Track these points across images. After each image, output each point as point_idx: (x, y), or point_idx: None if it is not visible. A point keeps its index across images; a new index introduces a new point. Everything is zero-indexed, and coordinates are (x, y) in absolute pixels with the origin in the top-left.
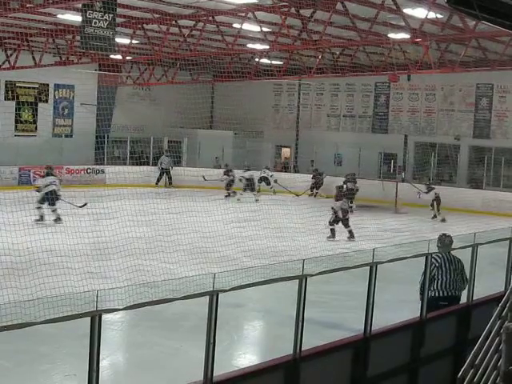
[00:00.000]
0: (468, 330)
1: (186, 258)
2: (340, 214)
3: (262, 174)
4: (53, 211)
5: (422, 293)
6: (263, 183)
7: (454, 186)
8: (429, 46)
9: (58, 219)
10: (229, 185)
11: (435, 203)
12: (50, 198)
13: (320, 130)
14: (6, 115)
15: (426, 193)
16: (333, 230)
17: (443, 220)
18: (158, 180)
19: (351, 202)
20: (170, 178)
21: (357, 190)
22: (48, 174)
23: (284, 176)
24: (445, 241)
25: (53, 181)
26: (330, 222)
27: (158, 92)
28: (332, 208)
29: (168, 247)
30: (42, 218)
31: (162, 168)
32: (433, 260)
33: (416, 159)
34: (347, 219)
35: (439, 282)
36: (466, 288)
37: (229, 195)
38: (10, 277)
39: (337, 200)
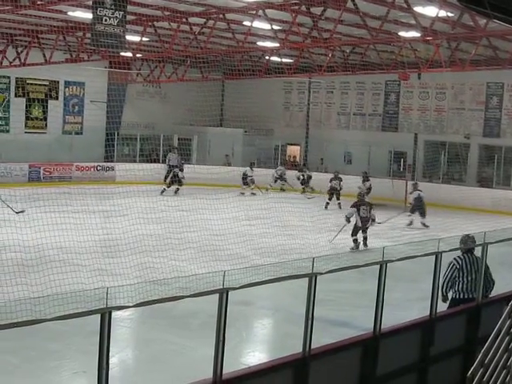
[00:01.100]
0: (478, 328)
1: (195, 256)
2: (359, 223)
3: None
4: None
5: (443, 293)
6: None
7: (463, 184)
8: (439, 45)
9: None
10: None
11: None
12: None
13: (330, 128)
14: (17, 112)
15: (410, 193)
16: (356, 241)
17: (424, 225)
18: (166, 177)
19: (338, 199)
20: (177, 176)
21: (340, 188)
22: None
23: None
24: (467, 242)
25: None
26: (351, 233)
27: (168, 89)
28: (346, 216)
29: (178, 245)
30: None
31: (170, 165)
32: (454, 261)
33: (426, 158)
34: (366, 228)
35: (460, 283)
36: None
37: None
38: (20, 273)
39: (352, 206)
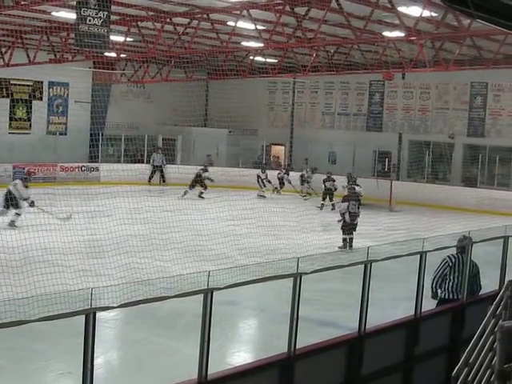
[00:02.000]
0: (462, 328)
1: (180, 256)
2: (348, 219)
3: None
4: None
5: (432, 289)
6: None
7: (448, 184)
8: (423, 45)
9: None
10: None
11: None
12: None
13: (314, 128)
14: (1, 113)
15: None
16: (345, 240)
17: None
18: (150, 178)
19: (331, 200)
20: (163, 176)
21: (335, 189)
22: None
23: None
24: (464, 242)
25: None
26: (343, 232)
27: (153, 90)
28: (340, 211)
29: (162, 245)
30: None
31: (154, 165)
32: (447, 258)
33: (410, 157)
34: (355, 225)
35: (450, 282)
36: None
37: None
38: (4, 274)
39: (343, 201)
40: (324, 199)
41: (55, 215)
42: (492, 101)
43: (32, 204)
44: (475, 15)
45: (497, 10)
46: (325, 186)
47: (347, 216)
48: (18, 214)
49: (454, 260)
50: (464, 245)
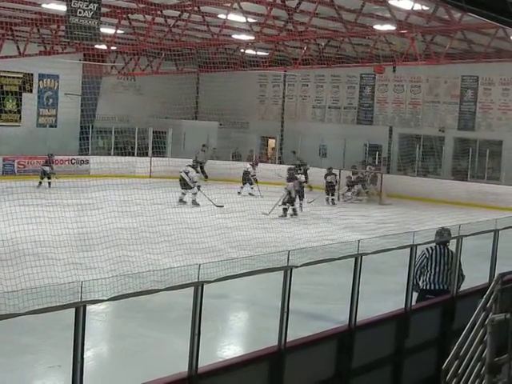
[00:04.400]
0: (452, 321)
1: (170, 249)
2: (293, 194)
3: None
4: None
5: (413, 284)
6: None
7: (438, 177)
8: (414, 38)
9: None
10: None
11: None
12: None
13: (305, 121)
14: None
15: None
16: (285, 210)
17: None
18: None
19: (333, 195)
20: (203, 172)
21: (336, 182)
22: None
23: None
24: (443, 234)
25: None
26: (283, 202)
27: (143, 82)
28: (285, 189)
29: (152, 238)
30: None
31: (198, 161)
32: (424, 250)
33: (401, 151)
34: (294, 198)
35: (428, 273)
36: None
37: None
38: None
39: (289, 181)
40: (328, 193)
41: (213, 201)
42: (482, 94)
43: (199, 188)
44: (466, 8)
45: (487, 3)
46: (326, 181)
47: (293, 192)
48: (195, 193)
49: (431, 251)
50: (444, 239)
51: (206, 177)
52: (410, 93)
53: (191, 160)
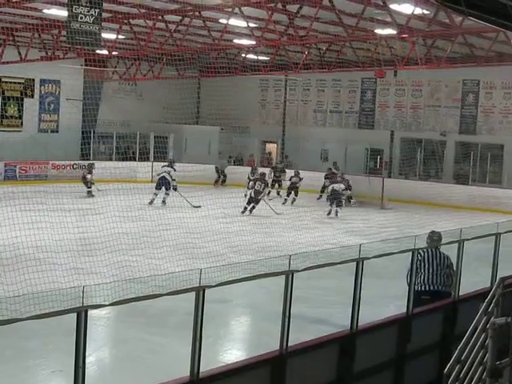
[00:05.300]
0: (454, 325)
1: (172, 254)
2: (252, 194)
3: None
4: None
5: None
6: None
7: (440, 181)
8: (415, 42)
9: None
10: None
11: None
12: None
13: (306, 125)
14: None
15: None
16: (246, 208)
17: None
18: (216, 181)
19: (296, 195)
20: (224, 176)
21: (301, 179)
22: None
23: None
24: (433, 237)
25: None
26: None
27: (144, 87)
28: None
29: (154, 243)
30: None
31: (220, 169)
32: (417, 254)
33: (402, 155)
34: (259, 200)
35: (422, 275)
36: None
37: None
38: None
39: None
40: (322, 191)
41: (190, 202)
42: (484, 98)
43: (175, 188)
44: (467, 12)
45: (488, 7)
46: (325, 182)
47: (253, 192)
48: (168, 194)
49: (423, 254)
50: (435, 243)
51: (224, 181)
52: (412, 97)
53: (167, 163)
